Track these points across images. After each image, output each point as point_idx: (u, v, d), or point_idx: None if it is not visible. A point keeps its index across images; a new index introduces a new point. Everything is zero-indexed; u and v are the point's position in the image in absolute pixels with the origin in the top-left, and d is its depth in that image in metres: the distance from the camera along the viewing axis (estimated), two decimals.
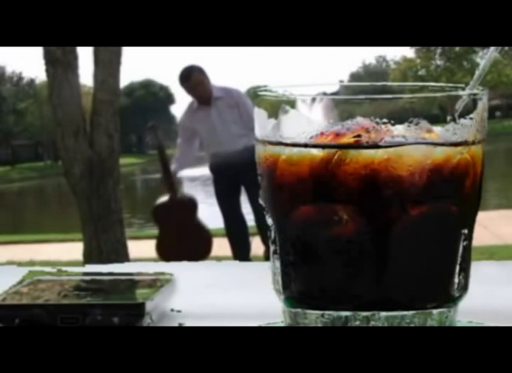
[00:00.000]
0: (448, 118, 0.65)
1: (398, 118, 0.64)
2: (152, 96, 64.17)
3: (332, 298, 0.65)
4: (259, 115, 0.69)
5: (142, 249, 7.27)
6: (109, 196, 5.88)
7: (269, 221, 0.69)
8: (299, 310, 0.67)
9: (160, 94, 65.48)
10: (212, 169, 5.87)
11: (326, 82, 0.70)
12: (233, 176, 5.57)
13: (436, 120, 0.65)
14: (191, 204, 6.11)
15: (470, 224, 0.68)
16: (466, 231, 0.67)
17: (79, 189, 5.86)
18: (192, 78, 5.74)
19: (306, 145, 0.64)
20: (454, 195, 0.65)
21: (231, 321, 0.73)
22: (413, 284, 0.65)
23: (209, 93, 5.76)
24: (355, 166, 0.62)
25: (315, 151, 0.64)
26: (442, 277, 0.66)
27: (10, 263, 6.59)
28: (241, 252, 5.89)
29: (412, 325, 0.65)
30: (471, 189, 0.66)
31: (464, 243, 0.67)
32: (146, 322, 0.71)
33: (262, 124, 0.68)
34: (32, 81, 53.94)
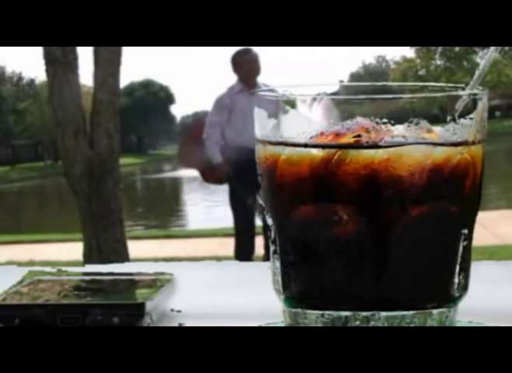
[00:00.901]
0: (448, 118, 0.65)
1: (398, 118, 0.64)
2: (152, 96, 64.20)
3: (332, 298, 0.65)
4: (259, 115, 0.69)
5: (142, 249, 7.28)
6: (109, 196, 5.88)
7: (269, 221, 0.69)
8: (299, 310, 0.67)
9: (160, 94, 65.51)
10: (234, 164, 5.64)
11: (326, 82, 0.70)
12: (253, 174, 5.40)
13: (436, 120, 0.65)
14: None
15: (470, 224, 0.68)
16: (466, 231, 0.67)
17: (79, 189, 5.86)
18: (251, 53, 5.69)
19: (306, 145, 0.64)
20: (454, 195, 0.65)
21: (231, 321, 0.73)
22: (413, 284, 0.65)
23: (256, 78, 5.65)
24: (355, 166, 0.62)
25: (315, 151, 0.64)
26: (442, 277, 0.66)
27: (10, 263, 6.59)
28: (244, 253, 5.85)
29: (412, 325, 0.65)
30: (471, 189, 0.66)
31: (464, 243, 0.67)
32: (146, 322, 0.71)
33: (262, 124, 0.68)
34: (32, 81, 53.95)
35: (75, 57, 5.78)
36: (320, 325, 0.65)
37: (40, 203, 25.78)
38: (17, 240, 9.93)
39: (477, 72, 0.69)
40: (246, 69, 5.68)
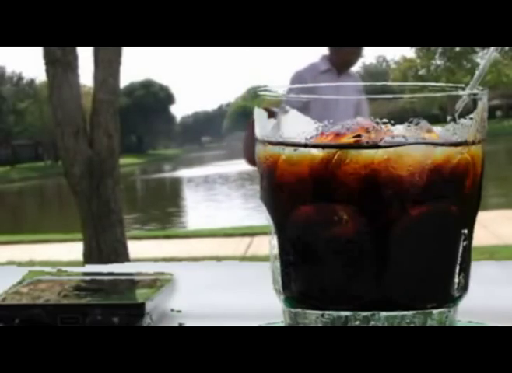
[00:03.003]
0: (448, 118, 0.65)
1: (398, 118, 0.64)
2: (152, 96, 64.25)
3: (332, 298, 0.65)
4: (259, 115, 0.69)
5: (141, 249, 7.28)
6: (109, 196, 5.88)
7: (269, 221, 0.69)
8: (299, 310, 0.67)
9: (160, 94, 65.57)
10: None
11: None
12: None
13: (436, 120, 0.65)
14: None
15: (470, 224, 0.68)
16: (466, 231, 0.67)
17: (79, 189, 5.86)
18: None
19: (306, 145, 0.64)
20: (454, 195, 0.65)
21: (231, 321, 0.73)
22: (413, 284, 0.65)
23: (353, 64, 4.96)
24: (355, 166, 0.62)
25: (315, 151, 0.64)
26: (442, 277, 0.66)
27: (10, 263, 6.59)
28: None
29: (412, 325, 0.65)
30: (471, 189, 0.66)
31: (464, 243, 0.67)
32: (146, 322, 0.71)
33: (262, 124, 0.68)
34: (32, 81, 53.98)
35: (75, 57, 5.78)
36: (320, 325, 0.65)
37: (40, 203, 25.78)
38: (17, 240, 9.94)
39: (477, 72, 0.69)
40: (350, 51, 4.85)
